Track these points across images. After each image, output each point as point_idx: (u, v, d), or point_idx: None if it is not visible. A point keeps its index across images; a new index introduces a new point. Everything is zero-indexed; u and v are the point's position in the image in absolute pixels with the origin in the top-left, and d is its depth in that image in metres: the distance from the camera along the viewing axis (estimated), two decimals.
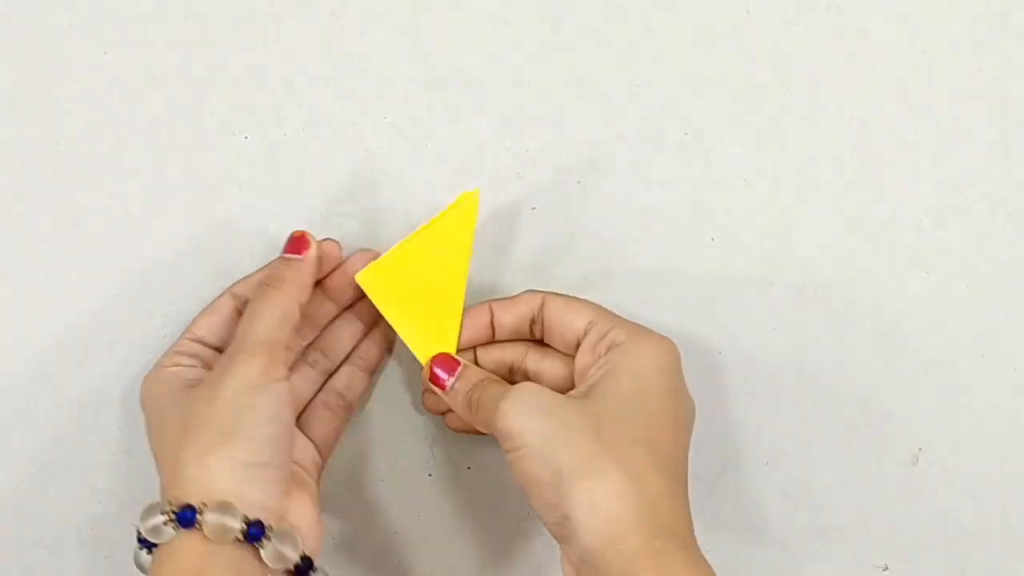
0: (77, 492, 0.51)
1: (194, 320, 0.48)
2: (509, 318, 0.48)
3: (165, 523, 0.40)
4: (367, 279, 0.48)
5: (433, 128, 0.51)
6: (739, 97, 0.51)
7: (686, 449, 0.44)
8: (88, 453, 0.52)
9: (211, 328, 0.48)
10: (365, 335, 0.51)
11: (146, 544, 0.42)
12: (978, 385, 0.52)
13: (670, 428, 0.44)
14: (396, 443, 0.52)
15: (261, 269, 0.49)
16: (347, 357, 0.50)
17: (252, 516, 0.41)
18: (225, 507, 0.40)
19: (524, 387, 0.44)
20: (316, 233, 0.49)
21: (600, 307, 0.47)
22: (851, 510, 0.52)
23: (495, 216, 0.51)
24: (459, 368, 0.47)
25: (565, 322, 0.47)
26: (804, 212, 0.51)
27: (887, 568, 0.52)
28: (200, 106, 0.51)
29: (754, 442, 0.52)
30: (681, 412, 0.45)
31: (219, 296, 0.49)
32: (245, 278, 0.49)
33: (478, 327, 0.48)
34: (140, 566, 0.43)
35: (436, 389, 0.47)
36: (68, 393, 0.51)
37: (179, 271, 0.51)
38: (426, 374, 0.48)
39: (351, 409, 0.50)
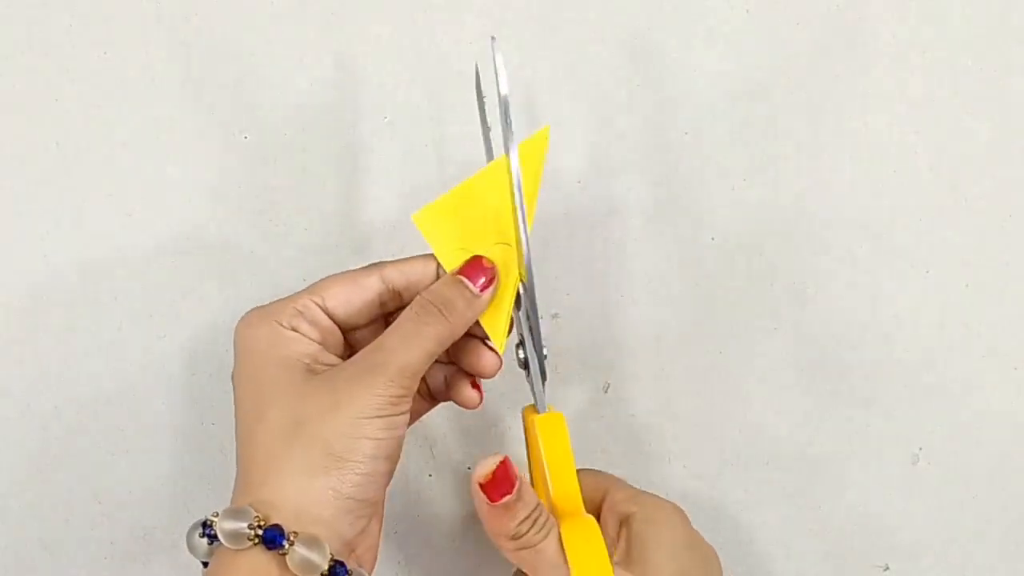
0: (77, 492, 0.51)
1: (328, 282, 0.42)
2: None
3: (248, 537, 0.38)
4: (423, 219, 0.43)
5: (433, 128, 0.51)
6: (739, 97, 0.51)
7: None
8: (88, 453, 0.52)
9: (346, 303, 0.42)
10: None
11: (209, 535, 0.39)
12: (978, 385, 0.52)
13: None
14: None
15: (421, 258, 0.43)
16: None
17: (335, 551, 0.38)
18: (315, 543, 0.38)
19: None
20: (316, 235, 0.49)
21: (608, 476, 0.46)
22: (851, 510, 0.52)
23: None
24: (514, 491, 0.40)
25: (585, 495, 0.44)
26: (804, 212, 0.51)
27: (887, 568, 0.52)
28: (200, 106, 0.51)
29: (754, 442, 0.52)
30: (715, 569, 0.44)
31: (366, 270, 0.43)
32: (397, 262, 0.43)
33: None
34: (192, 548, 0.40)
35: (482, 499, 0.40)
36: (68, 393, 0.51)
37: (179, 271, 0.51)
38: (481, 477, 0.41)
39: (436, 403, 0.47)
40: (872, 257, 0.52)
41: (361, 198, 0.52)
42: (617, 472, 0.52)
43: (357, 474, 0.39)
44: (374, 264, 0.43)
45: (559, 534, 0.40)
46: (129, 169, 0.51)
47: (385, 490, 0.41)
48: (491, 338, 0.43)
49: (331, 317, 0.43)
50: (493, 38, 0.40)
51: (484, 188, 0.43)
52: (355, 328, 0.44)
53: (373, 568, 0.42)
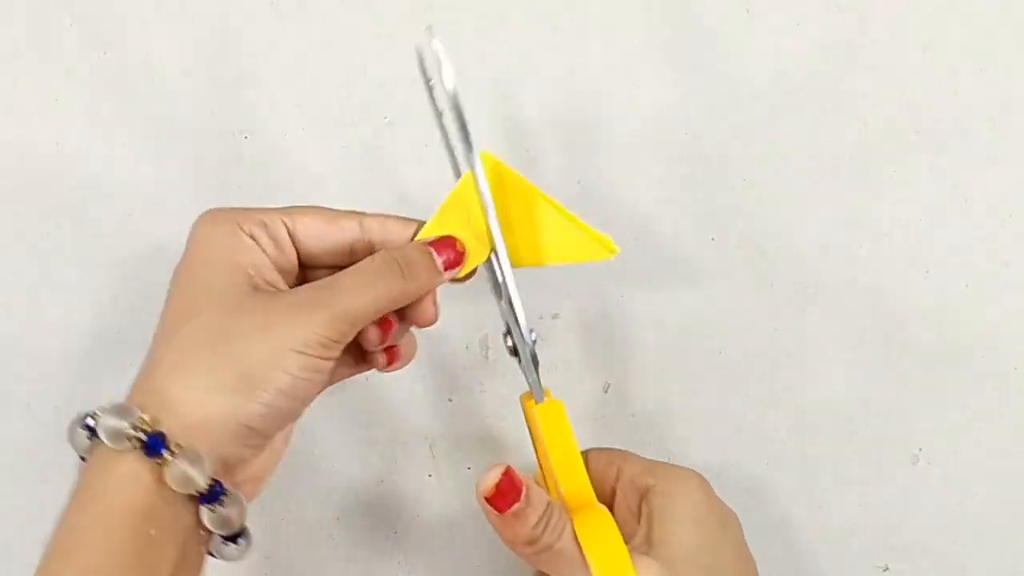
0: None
1: (304, 211, 0.41)
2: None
3: (129, 437, 0.36)
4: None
5: (433, 128, 0.51)
6: (739, 97, 0.51)
7: None
8: None
9: (316, 236, 0.41)
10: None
11: (90, 430, 0.38)
12: (978, 385, 0.52)
13: (745, 559, 0.44)
14: (396, 443, 0.52)
15: (403, 219, 0.42)
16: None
17: (215, 471, 0.37)
18: (197, 459, 0.36)
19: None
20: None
21: (624, 452, 0.46)
22: (851, 510, 0.52)
23: None
24: (522, 498, 0.39)
25: (602, 478, 0.44)
26: (804, 212, 0.51)
27: (887, 568, 0.52)
28: (199, 105, 0.51)
29: (754, 442, 0.52)
30: (742, 540, 0.44)
31: (346, 213, 0.41)
32: (379, 216, 0.42)
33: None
34: (74, 444, 0.39)
35: (491, 511, 0.40)
36: (68, 393, 0.51)
37: None
38: (485, 491, 0.40)
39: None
40: (872, 257, 0.51)
41: (361, 198, 0.52)
42: None
43: (260, 403, 0.37)
44: (356, 211, 0.42)
45: (573, 530, 0.40)
46: (129, 169, 0.51)
47: (281, 430, 0.40)
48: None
49: (295, 243, 0.41)
50: (430, 28, 0.40)
51: (461, 202, 0.42)
52: (316, 266, 0.42)
53: (250, 499, 0.41)
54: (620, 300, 0.52)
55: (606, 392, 0.52)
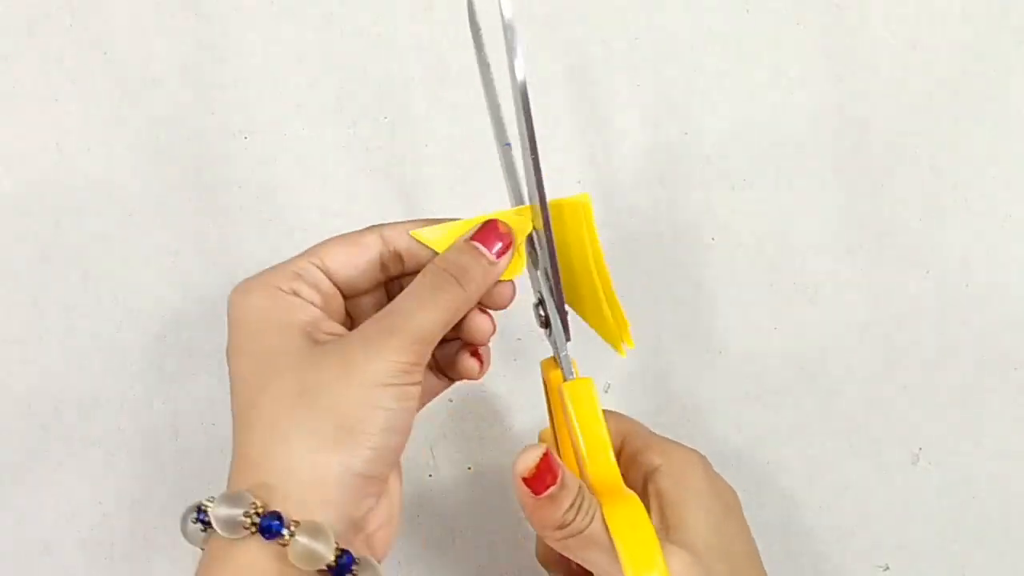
0: (77, 492, 0.51)
1: (326, 245, 0.40)
2: None
3: (244, 525, 0.34)
4: (422, 236, 0.40)
5: (433, 128, 0.51)
6: (741, 97, 0.51)
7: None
8: (88, 453, 0.52)
9: (346, 265, 0.39)
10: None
11: (203, 521, 0.36)
12: (978, 385, 0.52)
13: (749, 541, 0.43)
14: None
15: (421, 222, 0.41)
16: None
17: (339, 537, 0.35)
18: (319, 531, 0.34)
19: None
20: (316, 235, 0.48)
21: (627, 421, 0.44)
22: (851, 510, 0.52)
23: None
24: (558, 482, 0.38)
25: None
26: (804, 212, 0.51)
27: (887, 568, 0.52)
28: (200, 106, 0.51)
29: (754, 442, 0.52)
30: (743, 518, 0.44)
31: (365, 231, 0.40)
32: (400, 223, 0.40)
33: None
34: (187, 535, 0.37)
35: (526, 492, 0.38)
36: (68, 393, 0.51)
37: (179, 271, 0.51)
38: (524, 471, 0.39)
39: (454, 381, 0.44)
40: (872, 257, 0.52)
41: (362, 197, 0.52)
42: None
43: (369, 448, 0.35)
44: (374, 225, 0.40)
45: (603, 516, 0.39)
46: (129, 169, 0.51)
47: (394, 467, 0.39)
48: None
49: (331, 280, 0.40)
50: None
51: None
52: (356, 294, 0.41)
53: (387, 550, 0.39)
54: (620, 300, 0.52)
55: (606, 392, 0.52)
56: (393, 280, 0.42)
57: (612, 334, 0.42)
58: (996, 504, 0.52)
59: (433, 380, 0.43)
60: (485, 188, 0.51)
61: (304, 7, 0.51)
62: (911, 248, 0.52)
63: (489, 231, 0.39)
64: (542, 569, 0.53)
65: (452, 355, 0.43)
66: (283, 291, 0.38)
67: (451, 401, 0.52)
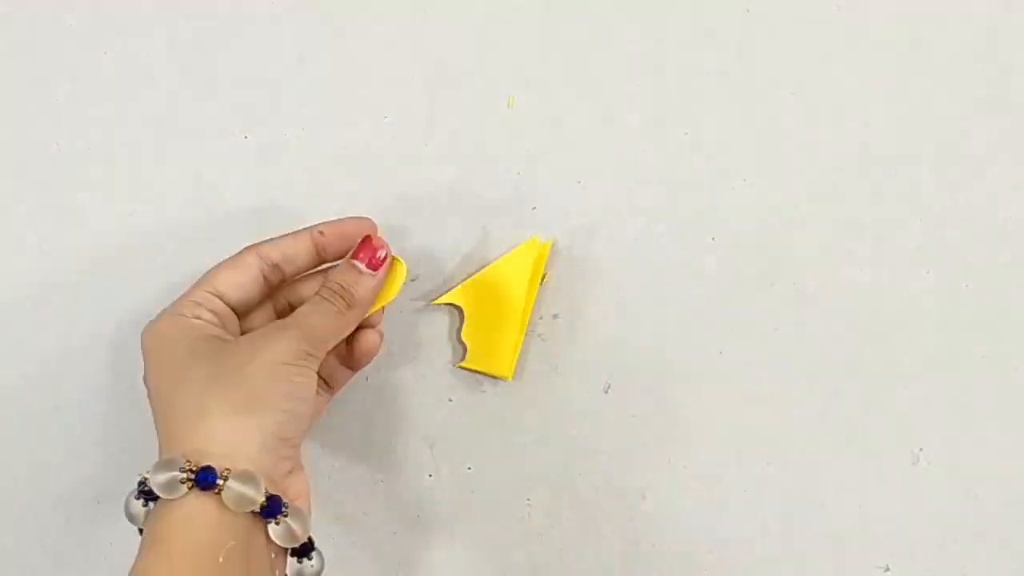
0: (77, 492, 0.51)
1: (214, 272, 0.45)
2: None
3: (181, 481, 0.39)
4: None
5: (433, 128, 0.51)
6: (739, 97, 0.51)
7: None
8: (88, 453, 0.52)
9: (234, 286, 0.45)
10: (349, 342, 0.48)
11: (144, 494, 0.41)
12: (978, 385, 0.52)
13: None
14: (396, 443, 0.52)
15: (292, 234, 0.47)
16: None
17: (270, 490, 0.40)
18: (248, 477, 0.39)
19: None
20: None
21: None
22: (851, 510, 0.52)
23: (495, 216, 0.51)
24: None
25: None
26: (804, 212, 0.51)
27: (887, 568, 0.52)
28: (200, 106, 0.51)
29: (754, 442, 0.52)
30: None
31: (243, 253, 0.46)
32: (273, 240, 0.46)
33: None
34: (131, 516, 0.41)
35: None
36: (68, 393, 0.51)
37: (179, 271, 0.51)
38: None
39: (333, 394, 0.50)
40: (872, 257, 0.51)
41: (361, 197, 0.52)
42: (617, 471, 0.52)
43: (279, 410, 0.41)
44: (250, 246, 0.46)
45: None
46: (129, 169, 0.51)
47: (303, 433, 0.43)
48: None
49: (225, 302, 0.45)
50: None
51: (490, 281, 0.50)
52: (248, 309, 0.47)
53: (310, 524, 0.43)
54: (620, 300, 0.52)
55: (606, 392, 0.52)
56: (276, 288, 0.47)
57: (507, 362, 0.50)
58: (996, 504, 0.52)
59: (341, 371, 0.49)
60: (485, 188, 0.51)
61: (304, 7, 0.51)
62: (911, 248, 0.51)
63: (366, 247, 0.46)
64: (540, 570, 0.53)
65: (331, 370, 0.48)
66: (186, 316, 0.44)
67: (451, 401, 0.52)
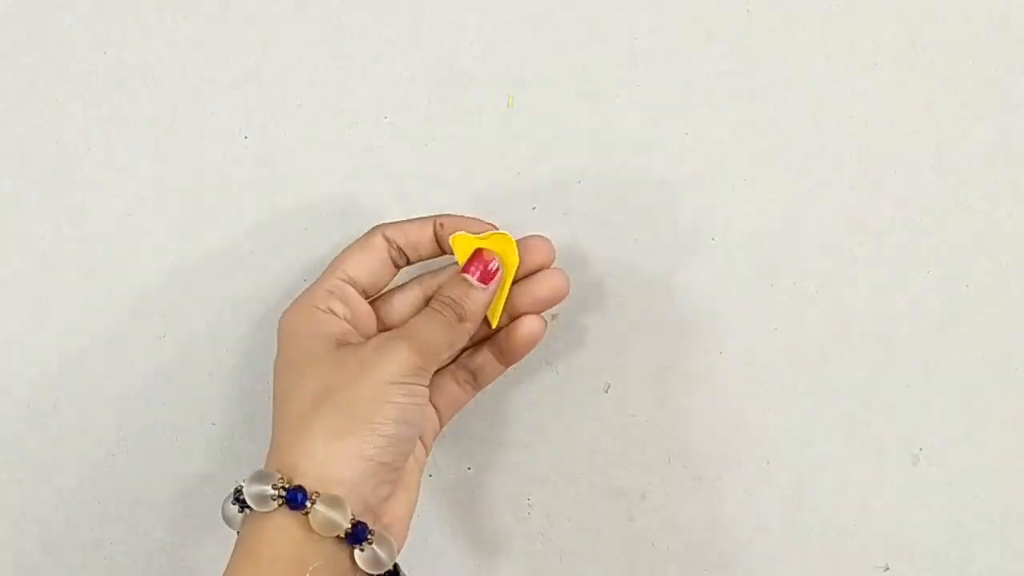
0: (77, 492, 0.51)
1: (345, 256, 0.46)
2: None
3: (273, 497, 0.40)
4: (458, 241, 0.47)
5: (433, 128, 0.51)
6: (739, 97, 0.51)
7: None
8: (88, 453, 0.52)
9: (365, 270, 0.46)
10: (508, 330, 0.48)
11: (240, 502, 0.42)
12: (978, 385, 0.52)
13: None
14: None
15: (416, 220, 0.47)
16: (486, 339, 0.49)
17: (357, 515, 0.41)
18: (336, 502, 0.40)
19: None
20: (315, 234, 0.48)
21: None
22: (851, 510, 0.52)
23: (495, 216, 0.51)
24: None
25: None
26: (804, 212, 0.51)
27: (887, 568, 0.52)
28: (200, 106, 0.51)
29: (754, 442, 0.52)
30: None
31: (371, 235, 0.47)
32: (398, 223, 0.47)
33: None
34: (228, 519, 0.43)
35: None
36: (68, 393, 0.51)
37: (178, 271, 0.51)
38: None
39: (479, 389, 0.49)
40: (872, 257, 0.51)
41: (361, 198, 0.52)
42: (617, 472, 0.52)
43: (380, 436, 0.41)
44: (376, 226, 0.47)
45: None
46: (129, 169, 0.51)
47: (408, 459, 0.43)
48: (487, 316, 0.46)
49: (356, 287, 0.46)
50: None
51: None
52: (378, 292, 0.47)
53: (401, 542, 0.44)
54: (620, 300, 0.52)
55: (606, 392, 0.52)
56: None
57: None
58: (996, 504, 0.52)
59: (458, 392, 0.48)
60: (485, 188, 0.51)
61: (304, 7, 0.51)
62: (911, 248, 0.51)
63: (476, 260, 0.46)
64: (540, 570, 0.53)
65: (480, 364, 0.48)
66: (320, 309, 0.45)
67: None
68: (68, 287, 0.51)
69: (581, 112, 0.51)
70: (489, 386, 0.52)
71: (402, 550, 0.44)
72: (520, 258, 0.47)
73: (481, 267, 0.46)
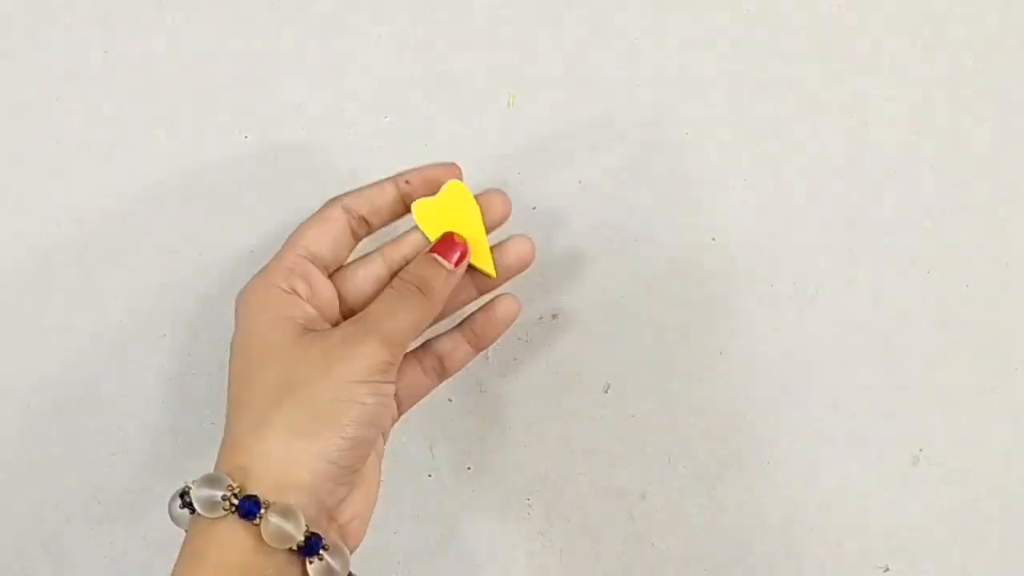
0: (77, 492, 0.51)
1: (302, 230, 0.44)
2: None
3: (224, 506, 0.38)
4: (420, 210, 0.46)
5: (433, 128, 0.51)
6: (739, 97, 0.51)
7: None
8: (88, 453, 0.52)
9: (324, 244, 0.44)
10: (484, 310, 0.47)
11: (186, 505, 0.39)
12: (978, 385, 0.52)
13: None
14: (396, 443, 0.52)
15: (375, 184, 0.45)
16: (458, 324, 0.47)
17: (312, 521, 0.39)
18: (289, 513, 0.38)
19: None
20: None
21: None
22: (851, 510, 0.52)
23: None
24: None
25: None
26: (804, 212, 0.51)
27: (887, 568, 0.52)
28: (200, 106, 0.51)
29: (754, 442, 0.52)
30: None
31: (328, 206, 0.45)
32: (356, 191, 0.45)
33: None
34: (173, 518, 0.40)
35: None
36: (68, 393, 0.51)
37: (179, 271, 0.51)
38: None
39: (444, 378, 0.47)
40: (872, 257, 0.51)
41: None
42: (617, 472, 0.52)
43: (342, 438, 0.39)
44: (333, 199, 0.45)
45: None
46: (129, 169, 0.51)
47: (366, 460, 0.42)
48: (484, 270, 0.45)
49: (316, 263, 0.44)
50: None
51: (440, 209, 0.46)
52: (339, 265, 0.45)
53: (359, 540, 0.43)
54: (620, 300, 0.52)
55: (606, 392, 0.52)
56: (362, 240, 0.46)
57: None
58: (996, 504, 0.52)
59: (422, 379, 0.46)
60: (485, 188, 0.51)
61: (304, 6, 0.51)
62: (911, 248, 0.51)
63: (447, 242, 0.44)
64: (541, 570, 0.53)
65: (450, 349, 0.46)
66: (283, 289, 0.42)
67: (451, 401, 0.52)
68: (68, 287, 0.51)
69: (581, 112, 0.51)
70: (490, 386, 0.52)
71: (358, 548, 0.43)
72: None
73: (451, 249, 0.44)
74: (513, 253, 0.46)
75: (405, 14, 0.51)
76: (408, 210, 0.46)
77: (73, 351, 0.51)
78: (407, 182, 0.45)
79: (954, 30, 0.51)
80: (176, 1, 0.51)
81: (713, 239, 0.52)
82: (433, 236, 0.45)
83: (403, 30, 0.51)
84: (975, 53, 0.51)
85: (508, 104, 0.51)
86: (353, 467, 0.40)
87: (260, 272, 0.43)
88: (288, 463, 0.39)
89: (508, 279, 0.46)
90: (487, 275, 0.46)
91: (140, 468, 0.51)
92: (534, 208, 0.51)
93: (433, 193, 0.45)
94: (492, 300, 0.47)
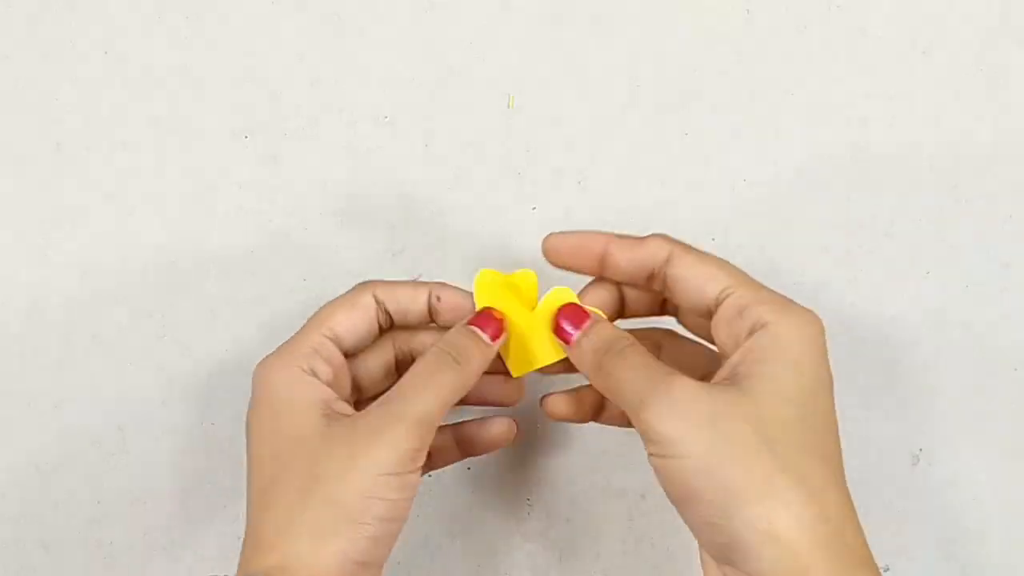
0: (77, 492, 0.51)
1: (330, 311, 0.43)
2: (626, 261, 0.43)
3: None
4: (482, 279, 0.45)
5: (433, 128, 0.51)
6: (739, 97, 0.51)
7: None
8: (88, 453, 0.52)
9: (351, 329, 0.43)
10: (479, 423, 0.47)
11: None
12: (978, 385, 0.52)
13: (835, 428, 0.40)
14: None
15: (410, 285, 0.44)
16: (451, 425, 0.47)
17: None
18: None
19: (679, 385, 0.38)
20: (315, 234, 0.48)
21: (733, 269, 0.42)
22: None
23: (495, 216, 0.51)
24: (588, 322, 0.42)
25: (694, 287, 0.42)
26: (804, 212, 0.51)
27: (888, 568, 0.52)
28: (200, 106, 0.51)
29: None
30: (834, 403, 0.40)
31: (359, 292, 0.44)
32: (390, 284, 0.44)
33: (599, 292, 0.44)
34: None
35: (561, 343, 0.43)
36: (68, 393, 0.51)
37: (179, 272, 0.51)
38: (552, 325, 0.43)
39: (427, 470, 0.47)
40: (872, 257, 0.51)
41: (361, 199, 0.52)
42: (617, 472, 0.52)
43: (366, 537, 0.38)
44: (364, 284, 0.44)
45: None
46: (129, 169, 0.51)
47: (390, 550, 0.41)
48: (508, 364, 0.44)
49: (340, 347, 0.43)
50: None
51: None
52: (357, 352, 0.45)
53: None
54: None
55: None
56: (383, 333, 0.45)
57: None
58: (996, 504, 0.52)
59: (451, 451, 0.46)
60: (485, 189, 0.51)
61: (304, 6, 0.51)
62: (911, 248, 0.51)
63: (485, 316, 0.43)
64: (541, 570, 0.53)
65: (439, 446, 0.46)
66: (304, 371, 0.41)
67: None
68: (68, 287, 0.51)
69: (581, 112, 0.51)
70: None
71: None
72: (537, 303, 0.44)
73: (490, 324, 0.43)
74: (496, 431, 0.46)
75: (405, 14, 0.51)
76: (432, 321, 0.45)
77: (73, 351, 0.51)
78: (438, 299, 0.44)
79: (954, 29, 0.51)
80: (176, 1, 0.51)
81: (713, 239, 0.52)
82: (480, 306, 0.44)
83: (403, 30, 0.51)
84: (975, 53, 0.51)
85: (508, 104, 0.51)
86: (377, 562, 0.40)
87: (283, 348, 0.42)
88: (316, 564, 0.38)
89: (485, 452, 0.47)
90: (507, 371, 0.45)
91: (140, 468, 0.51)
92: (534, 208, 0.51)
93: (456, 320, 0.44)
94: (490, 418, 0.46)
